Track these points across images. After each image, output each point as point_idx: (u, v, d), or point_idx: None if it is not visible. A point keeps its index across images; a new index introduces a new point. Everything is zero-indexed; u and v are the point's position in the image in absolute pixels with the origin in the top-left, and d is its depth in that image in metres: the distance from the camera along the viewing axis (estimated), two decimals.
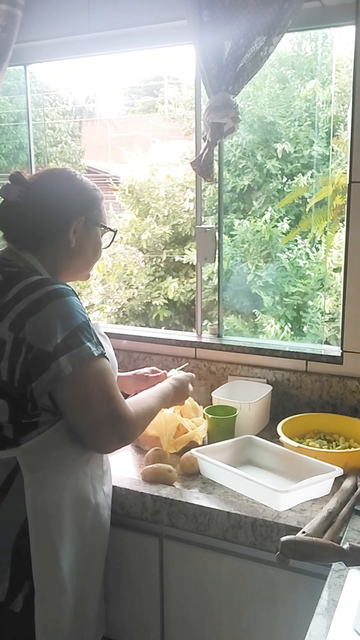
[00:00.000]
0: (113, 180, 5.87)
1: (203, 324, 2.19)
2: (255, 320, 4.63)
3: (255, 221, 4.71)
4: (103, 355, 1.18)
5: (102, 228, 1.36)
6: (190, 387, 1.62)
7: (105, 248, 1.40)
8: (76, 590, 1.26)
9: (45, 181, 1.30)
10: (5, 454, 1.17)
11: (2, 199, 1.26)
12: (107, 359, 1.20)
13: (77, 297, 1.20)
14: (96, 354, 1.15)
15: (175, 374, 1.63)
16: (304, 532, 1.23)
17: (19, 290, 1.14)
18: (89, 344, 1.14)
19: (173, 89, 5.61)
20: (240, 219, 4.75)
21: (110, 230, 1.38)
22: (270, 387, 1.92)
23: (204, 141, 1.87)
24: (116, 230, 1.40)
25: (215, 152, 1.93)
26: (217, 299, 2.19)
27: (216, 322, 2.18)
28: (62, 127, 6.12)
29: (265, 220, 4.62)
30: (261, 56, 1.75)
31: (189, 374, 1.66)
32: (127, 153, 5.69)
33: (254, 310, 4.69)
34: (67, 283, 1.26)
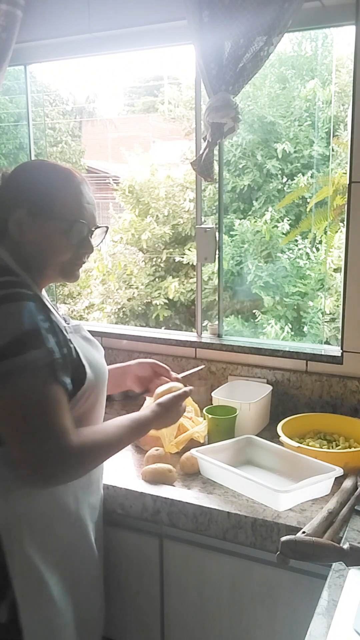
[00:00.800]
0: (113, 180, 5.88)
1: (203, 324, 2.20)
2: (256, 320, 4.63)
3: (255, 221, 4.71)
4: (49, 365, 1.06)
5: (59, 221, 1.17)
6: (184, 404, 1.41)
7: (83, 247, 1.21)
8: (69, 601, 1.23)
9: (9, 172, 1.22)
10: None
11: None
12: (57, 369, 1.08)
13: (40, 303, 1.11)
14: (39, 365, 1.04)
15: (161, 399, 1.39)
16: (304, 532, 1.23)
17: None
18: (34, 352, 1.04)
19: (173, 89, 5.61)
20: (240, 219, 4.75)
21: (77, 223, 1.18)
22: (270, 387, 1.92)
23: (204, 141, 1.87)
24: (84, 223, 1.19)
25: (216, 152, 1.92)
26: (217, 299, 2.19)
27: (216, 322, 2.18)
28: (62, 127, 6.12)
29: (266, 221, 4.62)
30: (261, 56, 1.75)
31: (184, 389, 1.41)
32: (127, 153, 5.69)
33: (254, 311, 4.69)
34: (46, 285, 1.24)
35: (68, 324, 1.25)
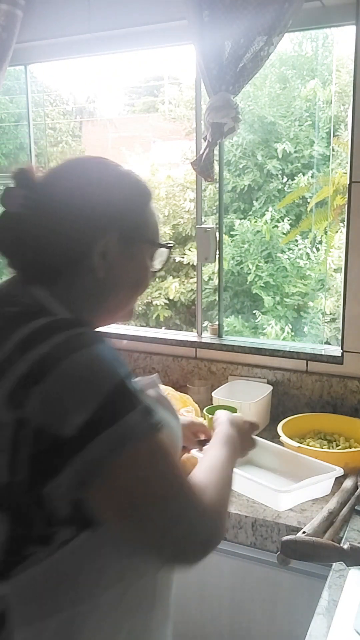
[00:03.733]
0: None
1: (203, 324, 2.19)
2: (256, 320, 4.63)
3: (255, 221, 4.71)
4: (156, 427, 0.74)
5: (150, 245, 0.90)
6: (254, 437, 1.14)
7: (158, 271, 0.95)
8: None
9: (60, 180, 0.86)
10: None
11: (2, 209, 0.85)
12: (159, 430, 0.76)
13: (108, 343, 0.77)
14: (146, 429, 0.73)
15: (228, 417, 1.11)
16: (304, 532, 1.23)
17: (18, 341, 0.73)
18: (132, 414, 0.72)
19: (173, 89, 5.61)
20: (240, 219, 4.75)
21: (164, 246, 0.92)
22: (270, 387, 1.92)
23: (205, 141, 1.87)
24: (172, 246, 0.95)
25: (216, 152, 1.92)
26: (217, 299, 2.19)
27: (216, 322, 2.18)
28: (62, 127, 6.12)
29: (266, 221, 4.62)
30: (261, 56, 1.75)
31: (248, 420, 1.14)
32: (127, 153, 5.69)
33: (254, 311, 4.69)
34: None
35: None
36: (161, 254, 0.93)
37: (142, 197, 0.90)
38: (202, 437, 1.19)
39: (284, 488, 1.39)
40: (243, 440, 1.07)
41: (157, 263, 0.93)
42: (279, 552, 1.14)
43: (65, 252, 0.83)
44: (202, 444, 1.19)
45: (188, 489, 0.77)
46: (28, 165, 0.87)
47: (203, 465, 0.91)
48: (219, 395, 1.85)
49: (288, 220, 4.65)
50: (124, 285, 0.89)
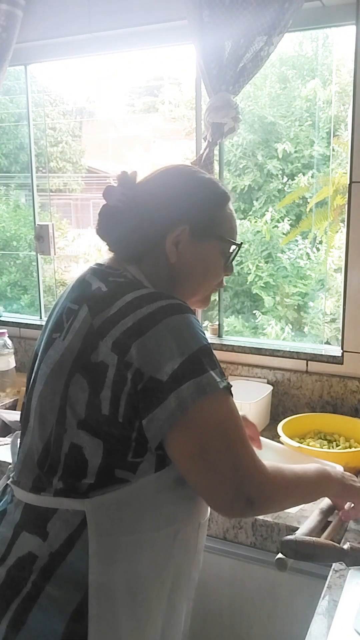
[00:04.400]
0: (113, 180, 5.86)
1: (204, 324, 2.19)
2: (256, 320, 4.63)
3: (255, 221, 4.71)
4: (229, 389, 0.91)
5: (220, 241, 1.05)
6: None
7: (228, 269, 1.09)
8: None
9: (152, 182, 1.06)
10: (72, 504, 0.91)
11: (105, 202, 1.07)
12: (231, 392, 0.93)
13: (196, 317, 0.95)
14: (221, 386, 0.89)
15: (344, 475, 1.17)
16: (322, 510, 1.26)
17: (126, 303, 0.90)
18: (212, 372, 0.89)
19: (173, 89, 5.61)
20: (240, 219, 4.75)
21: (233, 243, 1.07)
22: (270, 387, 1.92)
23: (205, 141, 1.87)
24: (241, 244, 1.09)
25: (216, 152, 1.92)
26: (217, 299, 2.19)
27: (217, 322, 2.18)
28: (62, 127, 6.12)
29: (266, 221, 4.61)
30: (262, 56, 1.75)
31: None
32: (127, 153, 5.69)
33: (254, 311, 4.69)
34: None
35: None
36: (234, 252, 1.07)
37: (218, 198, 1.05)
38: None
39: None
40: (344, 490, 1.13)
41: (230, 259, 1.07)
42: (277, 557, 1.14)
43: (147, 237, 1.01)
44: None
45: (249, 452, 0.89)
46: (132, 171, 1.07)
47: (279, 464, 0.99)
48: None
49: (288, 220, 4.65)
50: (193, 273, 1.04)
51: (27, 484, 0.96)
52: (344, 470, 1.48)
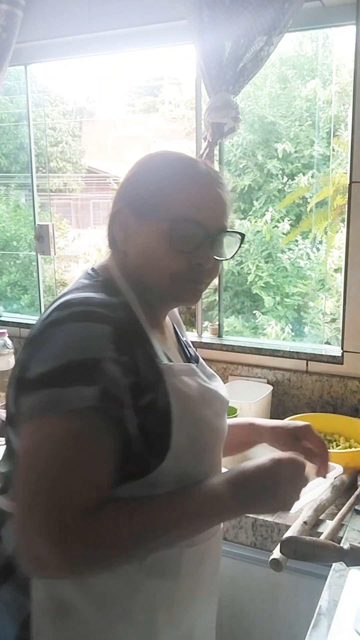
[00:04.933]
0: (113, 180, 5.87)
1: (204, 324, 2.19)
2: (256, 321, 4.63)
3: (255, 221, 4.71)
4: (100, 411, 0.78)
5: (161, 222, 0.89)
6: (308, 474, 0.90)
7: (196, 255, 0.90)
8: None
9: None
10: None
11: None
12: (110, 419, 0.79)
13: (130, 330, 0.85)
14: (75, 407, 0.76)
15: (266, 455, 0.90)
16: (305, 523, 1.25)
17: (49, 310, 0.87)
18: (75, 388, 0.77)
19: (173, 89, 5.61)
20: (240, 219, 4.75)
21: (181, 224, 0.89)
22: (270, 387, 1.92)
23: (205, 141, 1.87)
24: (195, 224, 0.89)
25: (216, 152, 1.92)
26: (217, 299, 2.19)
27: (217, 322, 2.18)
28: (62, 127, 6.12)
29: (266, 221, 4.61)
30: (262, 56, 1.74)
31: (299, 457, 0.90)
32: (127, 153, 5.69)
33: (254, 311, 4.69)
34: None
35: (194, 361, 1.05)
36: (182, 233, 0.89)
37: (166, 173, 0.91)
38: (308, 445, 1.07)
39: None
40: (278, 494, 0.85)
41: (177, 242, 0.89)
42: (271, 557, 1.14)
43: (107, 226, 0.96)
44: (307, 452, 1.04)
45: (71, 490, 0.74)
46: None
47: (155, 500, 0.82)
48: None
49: (288, 220, 4.65)
50: (144, 262, 0.92)
51: (0, 484, 0.94)
52: (344, 470, 1.48)
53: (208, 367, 1.08)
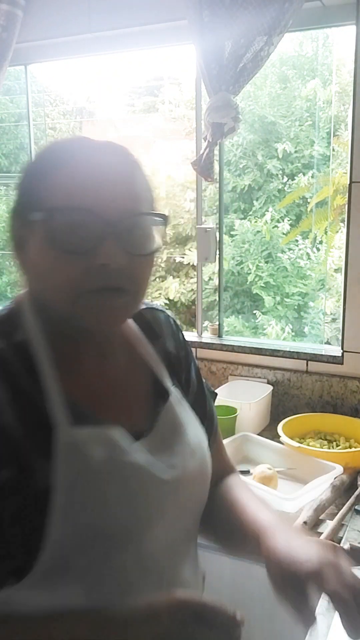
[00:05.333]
0: None
1: (204, 324, 2.19)
2: (256, 321, 4.63)
3: (255, 221, 4.71)
4: None
5: (32, 221, 0.69)
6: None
7: (98, 255, 0.67)
8: None
9: None
10: None
11: None
12: None
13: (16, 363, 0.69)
14: None
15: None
16: (305, 523, 1.25)
17: None
18: None
19: (173, 89, 5.61)
20: (240, 219, 4.75)
21: (47, 217, 0.67)
22: (270, 387, 1.92)
23: (205, 141, 1.87)
24: (79, 213, 0.67)
25: (216, 152, 1.92)
26: (217, 299, 2.19)
27: (217, 322, 2.18)
28: (62, 127, 6.12)
29: (266, 221, 4.61)
30: (262, 56, 1.75)
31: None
32: None
33: (254, 311, 4.69)
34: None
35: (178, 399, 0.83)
36: (62, 228, 0.67)
37: (39, 160, 0.72)
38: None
39: (289, 495, 1.39)
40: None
41: (56, 241, 0.67)
42: None
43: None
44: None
45: None
46: None
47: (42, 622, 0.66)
48: (219, 395, 1.85)
49: (288, 220, 4.65)
50: (38, 279, 0.72)
51: None
52: (344, 470, 1.48)
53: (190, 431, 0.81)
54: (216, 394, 1.01)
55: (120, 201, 0.68)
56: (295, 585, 0.69)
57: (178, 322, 0.94)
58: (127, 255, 0.68)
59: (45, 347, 0.71)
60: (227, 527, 0.86)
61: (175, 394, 0.82)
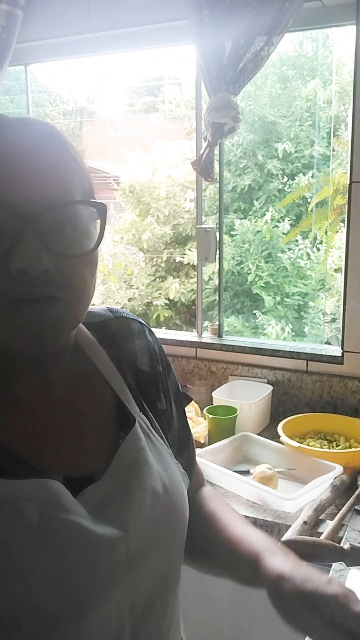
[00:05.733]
0: (114, 180, 5.88)
1: (204, 324, 2.19)
2: (256, 320, 4.63)
3: (256, 221, 4.71)
4: None
5: None
6: None
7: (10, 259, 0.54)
8: None
9: None
10: None
11: None
12: None
13: None
14: None
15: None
16: (305, 523, 1.25)
17: None
18: None
19: (173, 89, 5.61)
20: (241, 219, 4.75)
21: None
22: (270, 387, 1.92)
23: (205, 141, 1.87)
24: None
25: (216, 152, 1.92)
26: (217, 299, 2.19)
27: (217, 322, 2.18)
28: (62, 127, 6.13)
29: (266, 221, 4.61)
30: (262, 56, 1.75)
31: None
32: (127, 153, 5.69)
33: (254, 311, 4.69)
34: None
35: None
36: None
37: None
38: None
39: (290, 496, 1.39)
40: None
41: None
42: None
43: None
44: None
45: None
46: None
47: None
48: (219, 395, 1.85)
49: (288, 220, 4.65)
50: None
51: None
52: (344, 470, 1.48)
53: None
54: (191, 399, 0.91)
55: (41, 189, 0.55)
56: (314, 606, 0.64)
57: (153, 331, 0.81)
58: (53, 257, 0.55)
59: None
60: (206, 543, 0.77)
61: (142, 422, 0.68)
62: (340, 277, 2.01)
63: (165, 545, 0.67)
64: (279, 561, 0.68)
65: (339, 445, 1.70)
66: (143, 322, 0.79)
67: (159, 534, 0.65)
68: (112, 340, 0.72)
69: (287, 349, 1.98)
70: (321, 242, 4.49)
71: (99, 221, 0.59)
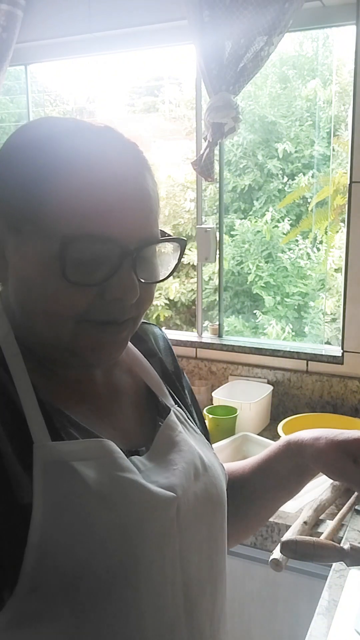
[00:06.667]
0: None
1: (204, 324, 2.19)
2: (257, 320, 4.63)
3: (256, 221, 4.71)
4: None
5: (43, 239, 0.57)
6: None
7: (114, 288, 0.59)
8: None
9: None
10: None
11: None
12: None
13: None
14: None
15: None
16: (305, 523, 1.25)
17: None
18: None
19: (174, 89, 5.61)
20: (241, 219, 4.75)
21: (68, 243, 0.56)
22: (270, 387, 1.92)
23: (205, 141, 1.87)
24: (100, 239, 0.57)
25: (216, 152, 1.92)
26: (217, 299, 2.19)
27: (217, 322, 2.18)
28: None
29: (266, 221, 4.61)
30: (262, 56, 1.75)
31: None
32: None
33: (254, 311, 4.69)
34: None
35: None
36: (79, 255, 0.56)
37: (37, 169, 0.57)
38: None
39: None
40: None
41: (70, 270, 0.56)
42: (271, 557, 1.14)
43: None
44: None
45: None
46: None
47: None
48: (219, 395, 1.85)
49: (288, 220, 4.65)
50: (25, 298, 0.61)
51: None
52: None
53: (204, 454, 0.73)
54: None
55: (139, 224, 0.58)
56: (343, 459, 0.73)
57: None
58: (141, 285, 0.60)
59: (19, 367, 0.61)
60: (241, 490, 0.83)
61: (177, 412, 0.74)
62: (340, 277, 2.01)
63: (208, 522, 0.70)
64: (306, 433, 0.76)
65: None
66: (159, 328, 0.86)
67: (202, 508, 0.68)
68: (141, 341, 0.79)
69: (287, 349, 1.98)
70: (321, 242, 4.49)
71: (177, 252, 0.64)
